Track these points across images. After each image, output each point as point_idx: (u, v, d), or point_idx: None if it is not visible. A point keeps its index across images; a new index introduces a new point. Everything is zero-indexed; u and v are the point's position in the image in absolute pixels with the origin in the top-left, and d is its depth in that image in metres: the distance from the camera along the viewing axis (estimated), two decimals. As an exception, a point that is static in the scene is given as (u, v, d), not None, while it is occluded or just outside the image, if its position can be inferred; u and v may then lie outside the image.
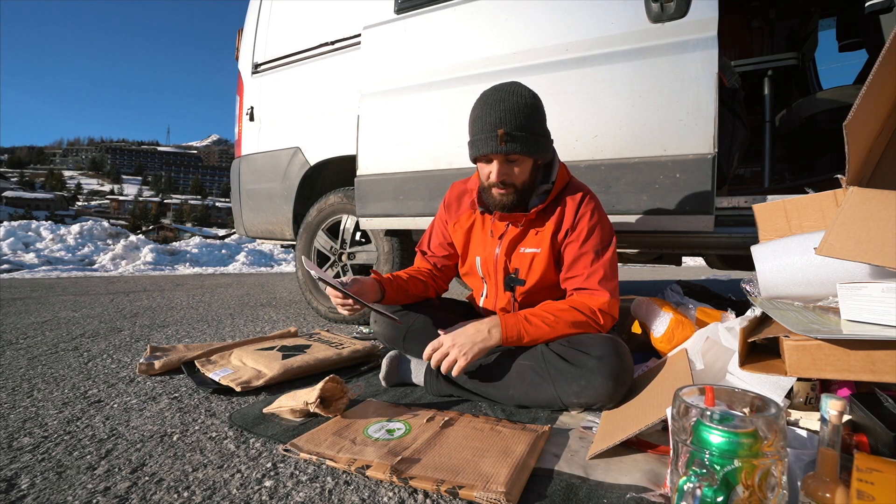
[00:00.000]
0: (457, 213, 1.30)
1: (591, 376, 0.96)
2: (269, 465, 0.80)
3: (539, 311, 1.06)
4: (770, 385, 0.84)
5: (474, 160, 1.12)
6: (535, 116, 1.06)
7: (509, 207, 1.12)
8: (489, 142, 1.04)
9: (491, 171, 1.08)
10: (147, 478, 0.75)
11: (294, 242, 2.45)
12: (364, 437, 0.87)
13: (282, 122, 2.41)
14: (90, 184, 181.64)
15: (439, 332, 1.08)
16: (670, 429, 0.60)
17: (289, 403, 1.00)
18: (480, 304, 1.32)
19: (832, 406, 0.54)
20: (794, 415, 0.84)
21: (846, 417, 0.73)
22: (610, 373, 0.95)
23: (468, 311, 1.41)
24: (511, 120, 1.02)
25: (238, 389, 1.15)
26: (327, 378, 0.99)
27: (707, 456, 0.52)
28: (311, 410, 0.96)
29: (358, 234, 2.23)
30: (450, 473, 0.73)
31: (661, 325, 1.23)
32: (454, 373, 1.00)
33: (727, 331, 1.00)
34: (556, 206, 1.15)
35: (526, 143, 1.04)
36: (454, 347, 1.00)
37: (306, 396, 0.98)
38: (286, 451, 0.83)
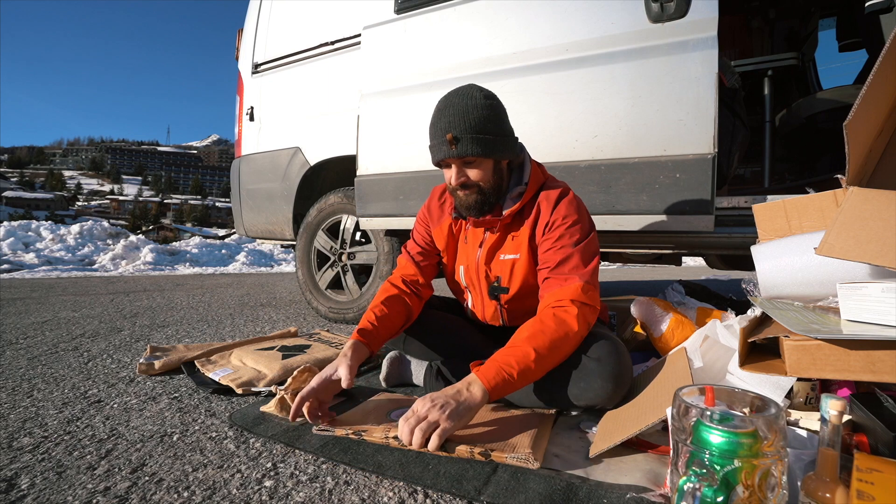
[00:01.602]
0: (439, 218, 1.25)
1: (590, 378, 0.95)
2: (269, 465, 0.80)
3: (510, 350, 0.91)
4: (770, 385, 0.84)
5: (436, 166, 1.10)
6: (489, 117, 1.02)
7: (477, 208, 1.08)
8: (441, 147, 1.03)
9: (451, 175, 1.07)
10: (147, 478, 0.75)
11: (294, 242, 2.45)
12: (389, 419, 0.94)
13: (282, 122, 2.41)
14: (90, 184, 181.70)
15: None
16: (670, 429, 0.60)
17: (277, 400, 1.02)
18: (469, 308, 1.27)
19: (832, 406, 0.54)
20: (794, 415, 0.84)
21: (846, 417, 0.73)
22: (609, 374, 0.94)
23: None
24: (459, 123, 1.00)
25: (239, 392, 1.15)
26: (302, 367, 1.02)
27: (707, 456, 0.52)
28: (280, 396, 1.00)
29: (358, 234, 2.23)
30: (480, 441, 0.81)
31: (662, 325, 1.23)
32: (433, 443, 0.78)
33: (726, 329, 1.00)
34: (531, 208, 1.10)
35: (478, 144, 1.00)
36: (433, 409, 0.80)
37: (285, 385, 1.02)
38: (322, 430, 0.89)
